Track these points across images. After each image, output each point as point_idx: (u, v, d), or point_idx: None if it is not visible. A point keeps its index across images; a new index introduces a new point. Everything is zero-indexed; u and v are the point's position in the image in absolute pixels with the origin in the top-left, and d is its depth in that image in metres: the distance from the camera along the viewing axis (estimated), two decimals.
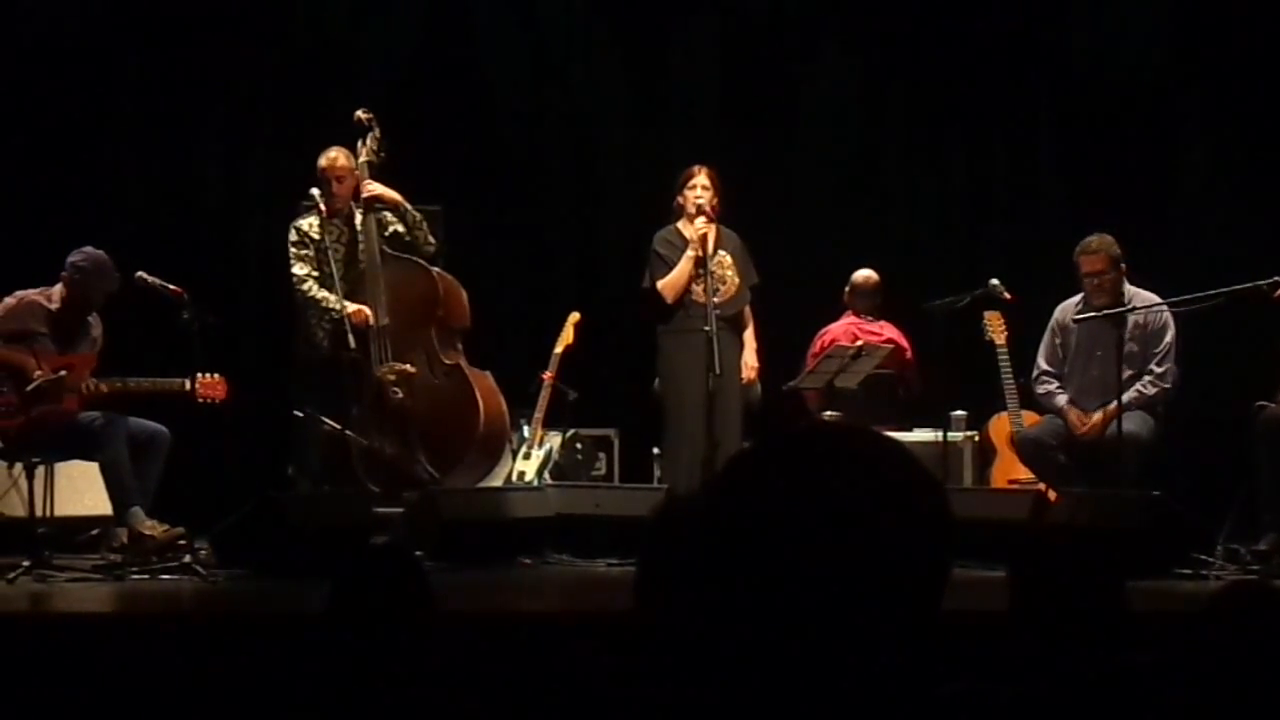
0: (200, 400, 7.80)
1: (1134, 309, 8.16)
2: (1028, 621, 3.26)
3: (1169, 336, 8.26)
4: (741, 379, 8.58)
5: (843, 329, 9.80)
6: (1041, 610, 3.24)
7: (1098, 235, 8.25)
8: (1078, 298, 8.38)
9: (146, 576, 7.38)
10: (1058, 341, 8.47)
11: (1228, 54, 10.31)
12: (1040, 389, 8.47)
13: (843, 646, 1.49)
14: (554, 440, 9.58)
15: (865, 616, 1.49)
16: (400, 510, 8.16)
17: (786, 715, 1.51)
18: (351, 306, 8.35)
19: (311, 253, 8.44)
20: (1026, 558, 3.38)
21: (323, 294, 8.35)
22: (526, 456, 9.44)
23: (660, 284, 8.53)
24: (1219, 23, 10.37)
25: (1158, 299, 8.21)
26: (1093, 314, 8.21)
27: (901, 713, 1.53)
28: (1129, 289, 8.25)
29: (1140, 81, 10.59)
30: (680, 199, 8.60)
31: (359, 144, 8.62)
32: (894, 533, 1.50)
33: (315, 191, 8.42)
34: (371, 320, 8.40)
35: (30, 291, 8.00)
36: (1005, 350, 8.70)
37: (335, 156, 8.50)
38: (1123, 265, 8.22)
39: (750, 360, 8.67)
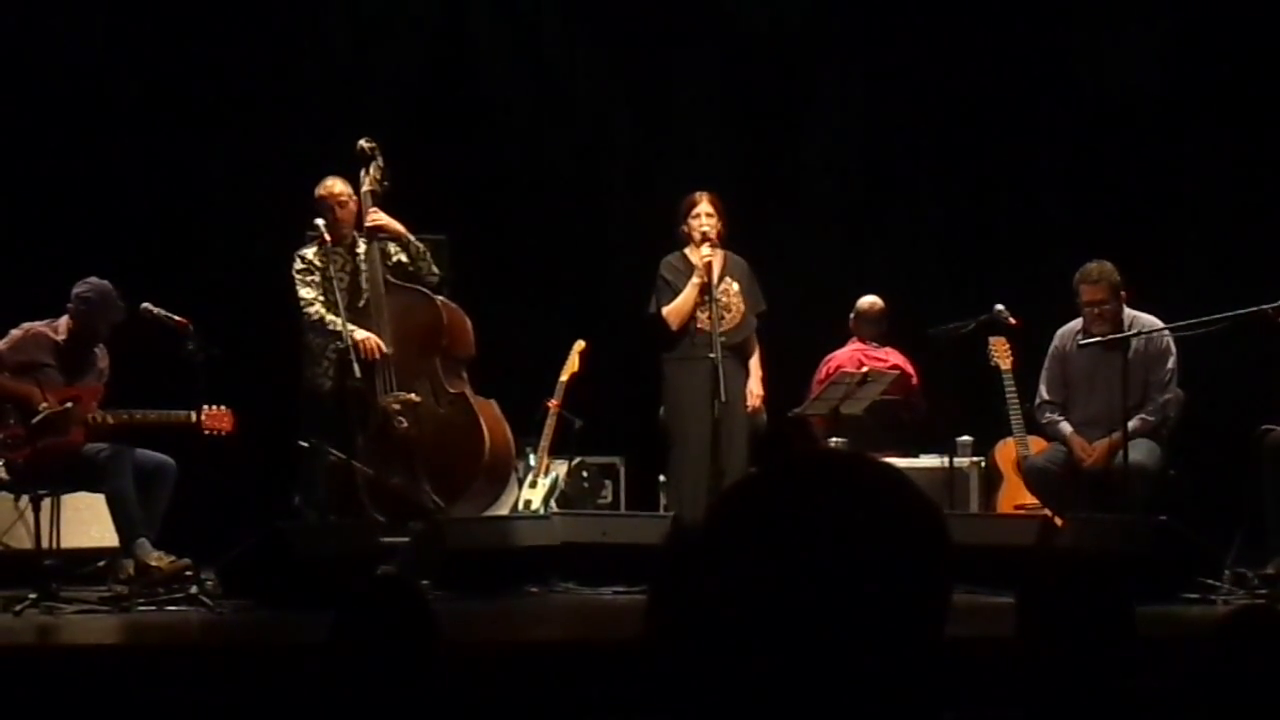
0: (206, 432, 7.81)
1: (1136, 334, 8.15)
2: (1036, 647, 3.26)
3: (1171, 362, 8.24)
4: (746, 407, 8.57)
5: (848, 355, 9.80)
6: (1050, 635, 3.24)
7: (1097, 263, 8.22)
8: (1077, 323, 8.36)
9: (153, 608, 7.37)
10: (1059, 369, 8.45)
11: (1230, 79, 10.33)
12: (1044, 418, 8.44)
13: (847, 673, 1.49)
14: (560, 468, 9.58)
15: (869, 643, 1.49)
16: (406, 540, 8.16)
17: None
18: (361, 333, 8.36)
19: (317, 279, 8.45)
20: (1034, 583, 3.38)
21: (330, 317, 8.36)
22: (532, 485, 9.44)
23: (665, 311, 8.53)
24: (1221, 48, 10.39)
25: (1159, 322, 8.19)
26: (1094, 340, 8.20)
27: None
28: (1129, 313, 8.24)
29: (1143, 106, 10.61)
30: (685, 226, 8.60)
31: (362, 173, 8.63)
32: (894, 558, 1.50)
33: (320, 222, 8.44)
34: (379, 352, 8.39)
35: (37, 323, 8.01)
36: (1011, 375, 8.69)
37: (332, 184, 8.53)
38: (1123, 292, 8.20)
39: (755, 389, 8.66)
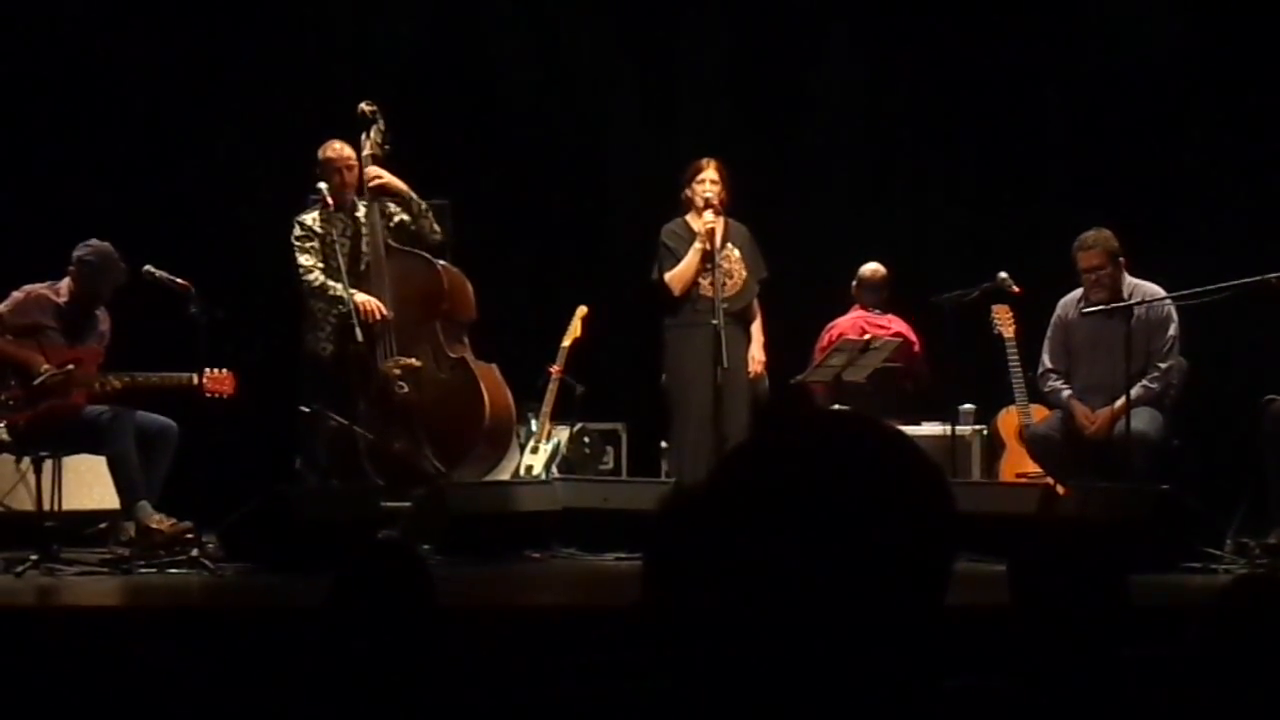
0: (208, 395, 7.81)
1: (1138, 302, 8.13)
2: (1029, 615, 3.25)
3: (1172, 329, 8.23)
4: (749, 373, 8.56)
5: (850, 323, 9.79)
6: (1042, 603, 3.23)
7: (1095, 230, 8.23)
8: (1079, 292, 8.36)
9: (154, 570, 7.39)
10: (1062, 337, 8.45)
11: (1234, 47, 10.29)
12: (1046, 386, 8.44)
13: (847, 639, 1.48)
14: (561, 434, 9.58)
15: (870, 608, 1.48)
16: (407, 504, 8.17)
17: (792, 709, 1.50)
18: (361, 296, 8.35)
19: (316, 245, 8.44)
20: (1026, 550, 3.37)
21: (330, 282, 8.35)
22: (534, 450, 9.44)
23: (668, 277, 8.52)
24: (1225, 17, 10.34)
25: (1161, 290, 8.18)
26: (1097, 308, 8.19)
27: (908, 706, 1.53)
28: (1131, 281, 8.23)
29: (1147, 73, 10.57)
30: (689, 192, 8.59)
31: (363, 136, 8.62)
32: (897, 522, 1.49)
33: (322, 185, 8.43)
34: (380, 314, 8.38)
35: (38, 286, 8.01)
36: (1014, 344, 8.68)
37: (341, 147, 8.52)
38: (1121, 259, 8.19)
39: (757, 354, 8.66)
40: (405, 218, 8.62)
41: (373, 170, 8.56)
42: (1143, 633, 3.27)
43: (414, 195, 8.62)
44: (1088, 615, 3.19)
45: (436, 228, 8.69)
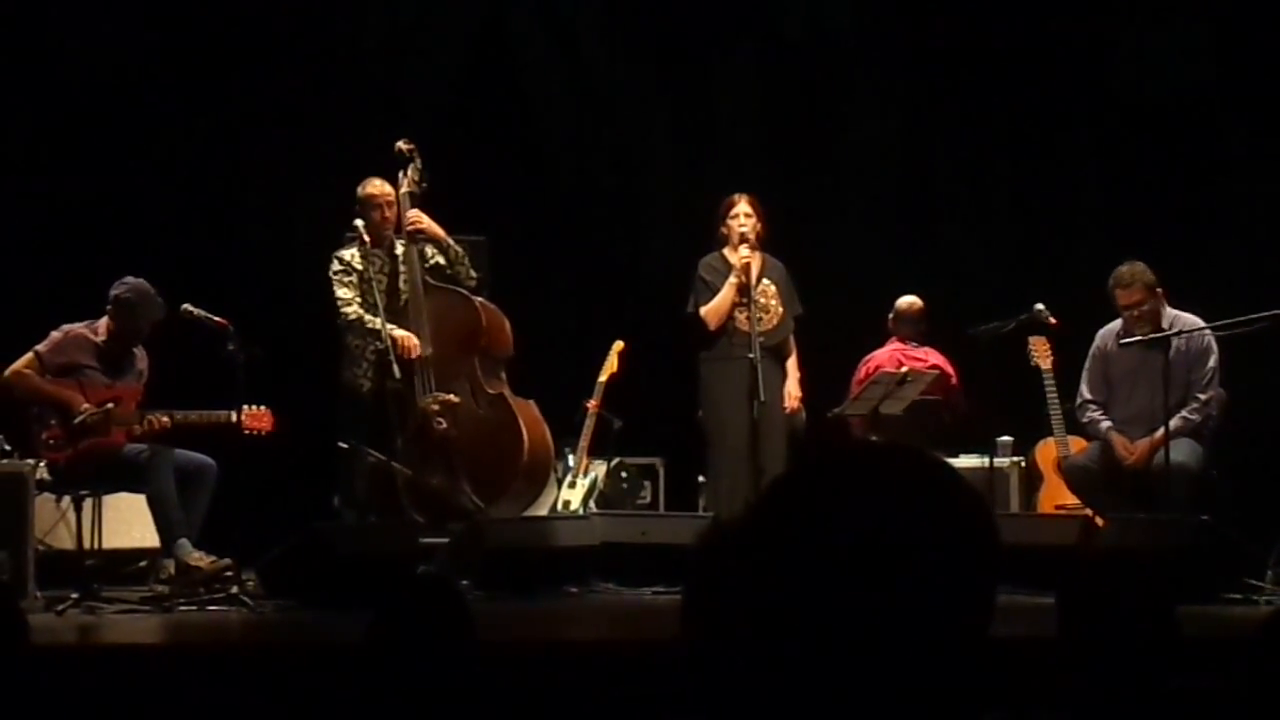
0: (246, 432, 7.83)
1: (1177, 333, 8.10)
2: (1077, 647, 3.24)
3: (1212, 360, 8.19)
4: (785, 407, 8.55)
5: (887, 355, 9.77)
6: (1091, 636, 3.22)
7: (1128, 265, 8.19)
8: (1119, 322, 8.32)
9: (194, 608, 7.40)
10: (1100, 368, 8.42)
11: (1270, 76, 10.26)
12: (1085, 417, 8.41)
13: (889, 672, 1.48)
14: (599, 469, 9.58)
15: (912, 640, 1.48)
16: (446, 540, 8.18)
17: None
18: (399, 332, 8.38)
19: (354, 280, 8.47)
20: (1075, 583, 3.36)
21: (368, 317, 8.39)
22: (572, 485, 9.44)
23: (704, 310, 8.53)
24: (1261, 45, 10.32)
25: (1200, 321, 8.15)
26: (1135, 339, 8.16)
27: None
28: (1170, 312, 8.19)
29: (1183, 104, 10.54)
30: (724, 227, 8.60)
31: (400, 175, 8.66)
32: (940, 554, 1.49)
33: (359, 223, 8.46)
34: (418, 351, 8.42)
35: (77, 325, 8.05)
36: (1051, 375, 8.66)
37: (380, 185, 8.57)
38: (1159, 289, 8.16)
39: (793, 389, 8.64)
40: (442, 260, 8.66)
41: (413, 214, 8.60)
42: (1185, 664, 3.26)
43: (451, 242, 8.65)
44: (1138, 647, 3.17)
45: (473, 273, 8.73)
